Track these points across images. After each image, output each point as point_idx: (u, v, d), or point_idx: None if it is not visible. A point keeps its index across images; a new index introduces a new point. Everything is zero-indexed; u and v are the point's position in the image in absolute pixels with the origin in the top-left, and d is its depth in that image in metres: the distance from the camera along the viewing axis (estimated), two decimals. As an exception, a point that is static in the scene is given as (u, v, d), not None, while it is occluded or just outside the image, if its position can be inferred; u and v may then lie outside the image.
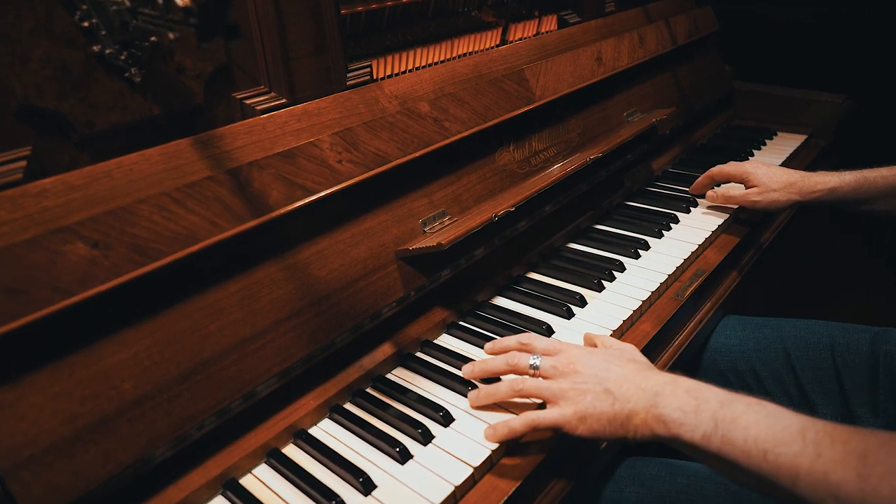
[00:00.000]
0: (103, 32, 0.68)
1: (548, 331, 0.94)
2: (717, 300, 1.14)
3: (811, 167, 1.54)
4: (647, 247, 1.16)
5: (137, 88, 0.73)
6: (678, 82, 1.60)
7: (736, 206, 1.27)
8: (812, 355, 1.09)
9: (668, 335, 1.02)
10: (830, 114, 1.67)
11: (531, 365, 0.77)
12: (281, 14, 0.84)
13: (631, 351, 0.81)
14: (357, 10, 0.99)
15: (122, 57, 0.70)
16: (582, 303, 1.01)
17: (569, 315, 0.98)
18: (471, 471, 0.71)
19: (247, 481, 0.73)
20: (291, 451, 0.77)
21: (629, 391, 0.70)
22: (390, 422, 0.79)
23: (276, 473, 0.74)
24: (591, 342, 0.87)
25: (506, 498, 0.70)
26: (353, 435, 0.78)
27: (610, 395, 0.70)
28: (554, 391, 0.73)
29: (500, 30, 1.35)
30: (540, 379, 0.76)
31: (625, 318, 0.97)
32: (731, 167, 1.28)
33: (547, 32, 1.37)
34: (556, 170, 1.14)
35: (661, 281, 1.05)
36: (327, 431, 0.79)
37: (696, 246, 1.16)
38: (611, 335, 0.93)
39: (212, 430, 0.71)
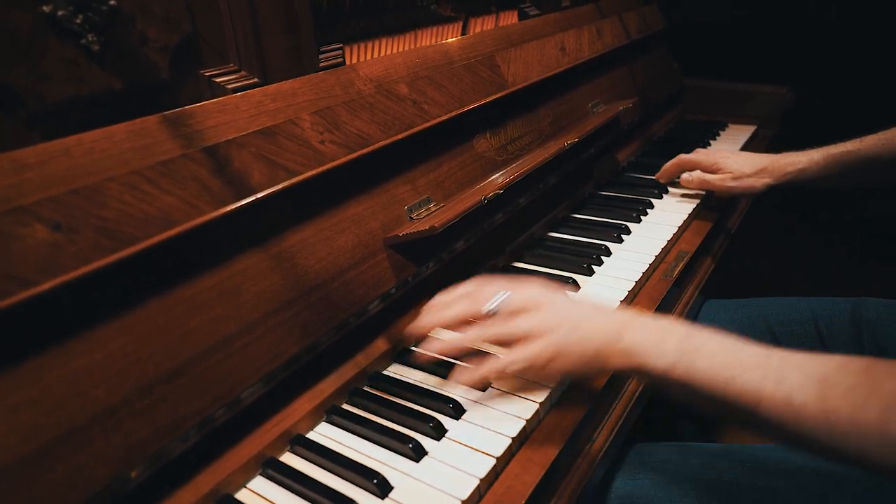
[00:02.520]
0: (55, -9, 0.60)
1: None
2: (699, 283, 1.13)
3: (765, 154, 1.59)
4: (628, 231, 1.15)
5: (95, 58, 0.65)
6: (634, 77, 1.62)
7: (707, 191, 1.27)
8: (796, 330, 1.10)
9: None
10: (775, 104, 1.73)
11: (489, 310, 0.73)
12: (251, -16, 0.77)
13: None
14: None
15: (78, 20, 0.62)
16: (575, 287, 0.97)
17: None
18: (493, 462, 0.65)
19: (243, 496, 0.64)
20: (290, 460, 0.68)
21: (597, 325, 0.70)
22: (397, 419, 0.72)
23: (275, 484, 0.65)
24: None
25: (531, 491, 0.65)
26: (356, 436, 0.71)
27: (579, 329, 0.69)
28: (524, 329, 0.70)
29: (461, 23, 1.33)
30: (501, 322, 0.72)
31: (621, 299, 0.94)
32: (701, 155, 1.28)
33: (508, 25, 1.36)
34: (534, 156, 1.11)
35: (650, 262, 1.04)
36: (327, 435, 0.71)
37: (677, 228, 1.15)
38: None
39: (200, 440, 0.62)
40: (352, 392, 0.77)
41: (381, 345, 0.83)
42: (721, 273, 1.22)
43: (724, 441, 1.26)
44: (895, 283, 1.83)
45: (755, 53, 1.92)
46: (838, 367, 0.57)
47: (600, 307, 0.74)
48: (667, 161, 1.32)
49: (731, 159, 1.23)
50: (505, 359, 0.70)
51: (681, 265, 1.07)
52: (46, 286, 0.52)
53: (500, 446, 0.67)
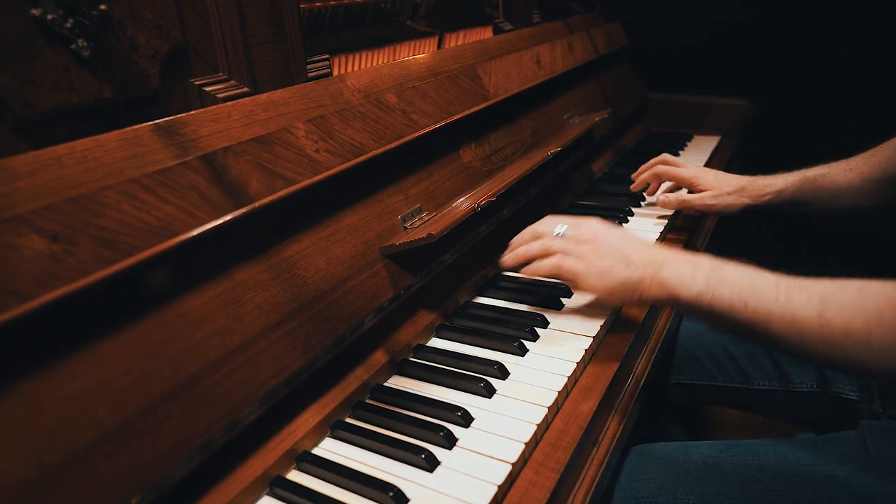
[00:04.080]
0: (45, -6, 0.57)
1: (542, 322, 0.90)
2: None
3: (729, 164, 1.64)
4: (612, 238, 1.16)
5: (86, 65, 0.62)
6: (603, 90, 1.66)
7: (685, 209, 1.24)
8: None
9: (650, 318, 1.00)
10: (736, 116, 1.80)
11: (556, 233, 0.86)
12: (240, -8, 0.76)
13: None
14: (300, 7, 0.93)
15: (68, 24, 0.59)
16: (568, 293, 0.98)
17: (558, 306, 0.94)
18: (509, 468, 0.64)
19: (253, 517, 0.61)
20: (298, 477, 0.65)
21: (641, 259, 0.79)
22: (405, 430, 0.70)
23: (284, 504, 0.62)
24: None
25: (548, 496, 0.64)
26: (364, 450, 0.68)
27: (625, 260, 0.79)
28: (578, 252, 0.82)
29: (437, 38, 1.35)
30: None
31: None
32: (680, 169, 1.23)
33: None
34: (519, 165, 1.12)
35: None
36: (333, 450, 0.69)
37: (659, 233, 1.18)
38: (602, 321, 0.90)
39: (206, 461, 0.59)
40: (355, 406, 0.75)
41: (380, 357, 0.81)
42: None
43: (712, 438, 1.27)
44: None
45: (714, 68, 2.00)
46: (837, 287, 0.65)
47: (646, 243, 0.83)
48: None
49: (711, 176, 1.20)
50: (557, 261, 0.83)
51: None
52: (45, 300, 0.49)
53: (515, 452, 0.66)
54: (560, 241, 0.84)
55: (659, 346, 0.94)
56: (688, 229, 1.27)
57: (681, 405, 1.23)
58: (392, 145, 0.87)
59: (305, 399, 0.71)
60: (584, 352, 0.82)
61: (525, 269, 0.87)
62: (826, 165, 1.13)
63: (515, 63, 1.26)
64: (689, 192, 1.22)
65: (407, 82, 1.00)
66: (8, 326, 0.47)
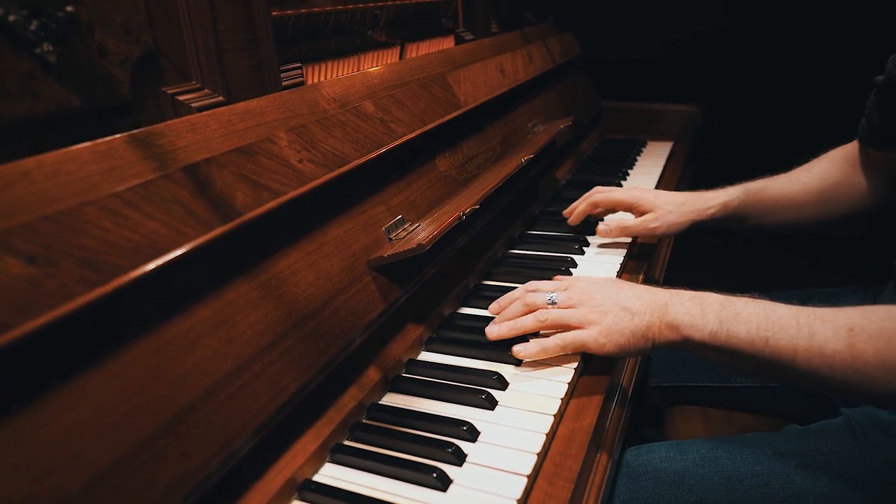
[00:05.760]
0: (7, -7, 0.52)
1: (533, 329, 0.88)
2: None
3: (685, 168, 1.69)
4: (587, 243, 1.17)
5: (52, 71, 0.57)
6: (562, 99, 1.68)
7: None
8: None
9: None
10: (686, 122, 1.86)
11: (549, 301, 0.81)
12: (212, -5, 0.72)
13: (620, 279, 0.88)
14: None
15: (32, 27, 0.54)
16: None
17: (545, 312, 0.93)
18: (525, 481, 0.62)
19: (260, 556, 0.56)
20: (303, 508, 0.61)
21: (643, 305, 0.76)
22: (410, 449, 0.67)
23: (292, 538, 0.58)
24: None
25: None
26: (370, 473, 0.65)
27: (627, 311, 0.76)
28: (577, 317, 0.77)
29: (399, 49, 1.33)
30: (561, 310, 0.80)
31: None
32: (619, 194, 1.15)
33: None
34: (494, 172, 1.11)
35: (620, 262, 1.06)
36: (337, 476, 0.65)
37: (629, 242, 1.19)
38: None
39: (201, 499, 0.54)
40: (352, 427, 0.71)
41: (372, 374, 0.77)
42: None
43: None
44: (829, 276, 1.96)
45: (664, 77, 2.06)
46: (862, 316, 0.63)
47: (643, 288, 0.80)
48: (601, 177, 1.32)
49: (651, 196, 1.13)
50: (564, 337, 0.77)
51: (642, 271, 1.10)
52: (26, 329, 0.44)
53: (528, 464, 0.64)
54: (555, 314, 0.79)
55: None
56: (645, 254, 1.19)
57: (658, 408, 1.24)
58: (373, 154, 0.85)
59: (301, 424, 0.67)
60: (580, 356, 0.81)
61: (527, 353, 0.79)
62: (768, 178, 1.12)
63: (482, 72, 1.26)
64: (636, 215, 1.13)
65: (380, 91, 0.97)
66: (-14, 361, 0.42)
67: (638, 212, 1.13)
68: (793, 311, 0.67)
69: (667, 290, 0.78)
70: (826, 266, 2.14)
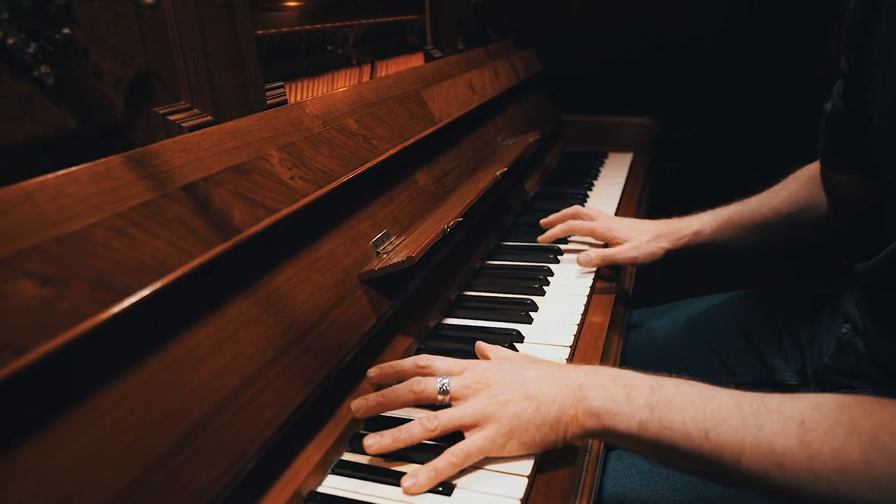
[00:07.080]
0: (5, 15, 0.52)
1: (518, 337, 0.91)
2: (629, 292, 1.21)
3: (646, 177, 1.76)
4: (560, 252, 1.21)
5: (49, 94, 0.57)
6: (526, 114, 1.73)
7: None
8: (721, 326, 1.21)
9: (614, 326, 1.05)
10: (644, 134, 1.94)
11: (440, 389, 0.67)
12: (202, 18, 0.73)
13: (532, 355, 0.76)
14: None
15: (30, 49, 0.54)
16: (533, 307, 1.00)
17: (528, 320, 0.96)
18: (526, 481, 0.64)
19: (274, 570, 0.56)
20: (312, 520, 0.62)
21: (551, 391, 0.64)
22: (412, 457, 0.68)
23: (304, 550, 0.58)
24: (483, 355, 0.78)
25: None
26: (374, 483, 0.66)
27: (532, 399, 0.64)
28: (472, 414, 0.64)
29: (370, 67, 1.35)
30: (452, 406, 0.67)
31: (581, 312, 0.98)
32: (597, 226, 1.17)
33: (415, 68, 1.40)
34: (470, 186, 1.14)
35: (593, 275, 1.10)
36: (342, 487, 0.65)
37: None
38: (574, 330, 0.93)
39: (214, 516, 0.54)
40: (352, 438, 0.72)
41: (367, 386, 0.78)
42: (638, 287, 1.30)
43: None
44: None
45: (620, 91, 2.15)
46: (813, 408, 0.54)
47: (552, 366, 0.68)
48: (568, 188, 1.37)
49: (625, 225, 1.16)
50: (458, 453, 0.63)
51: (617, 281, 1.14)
52: (42, 351, 0.44)
53: (526, 466, 0.66)
54: (446, 419, 0.65)
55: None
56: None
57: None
58: (359, 170, 0.86)
59: (303, 437, 0.68)
60: (568, 349, 0.84)
61: (420, 487, 0.62)
62: (739, 203, 1.14)
63: (453, 88, 1.29)
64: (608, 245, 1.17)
65: (360, 108, 0.99)
66: (5, 385, 0.41)
67: (613, 242, 1.16)
68: (733, 399, 0.58)
69: (582, 367, 0.68)
70: (792, 266, 2.23)
